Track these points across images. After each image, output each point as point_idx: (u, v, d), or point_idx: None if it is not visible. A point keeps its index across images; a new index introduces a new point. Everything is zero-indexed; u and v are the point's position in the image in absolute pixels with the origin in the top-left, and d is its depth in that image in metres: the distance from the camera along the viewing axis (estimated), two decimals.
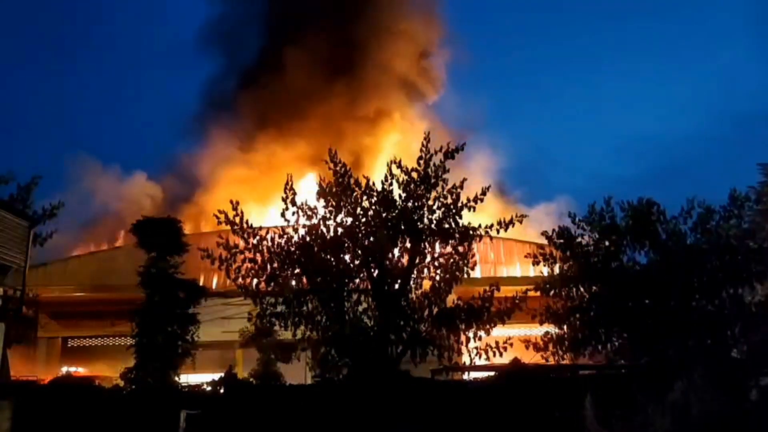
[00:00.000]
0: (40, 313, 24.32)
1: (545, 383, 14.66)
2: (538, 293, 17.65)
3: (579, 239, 17.70)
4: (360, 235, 16.59)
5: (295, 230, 16.93)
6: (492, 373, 16.50)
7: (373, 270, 16.53)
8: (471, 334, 16.25)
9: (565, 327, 17.60)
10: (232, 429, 12.98)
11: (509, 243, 29.73)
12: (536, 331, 18.72)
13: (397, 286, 16.52)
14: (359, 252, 16.55)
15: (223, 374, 17.93)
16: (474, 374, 18.14)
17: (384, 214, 16.51)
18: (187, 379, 18.18)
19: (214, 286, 24.82)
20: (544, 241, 18.39)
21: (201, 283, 19.69)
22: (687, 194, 17.65)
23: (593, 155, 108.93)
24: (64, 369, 23.52)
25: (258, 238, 16.84)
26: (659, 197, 17.74)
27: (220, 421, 12.82)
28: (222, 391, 15.98)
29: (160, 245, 17.52)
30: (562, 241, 17.62)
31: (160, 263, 17.44)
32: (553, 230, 17.87)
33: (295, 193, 16.80)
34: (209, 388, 16.30)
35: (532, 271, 23.00)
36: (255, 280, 16.75)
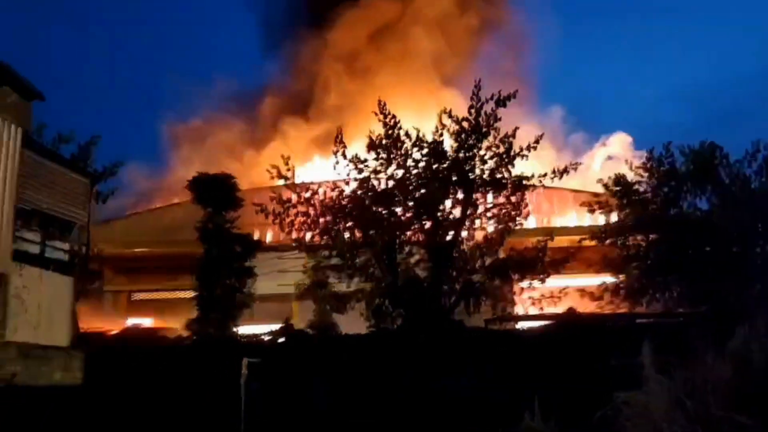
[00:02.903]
0: (104, 268, 25.35)
1: (601, 331, 14.52)
2: (594, 242, 17.38)
3: (636, 186, 17.25)
4: (411, 187, 16.57)
5: (347, 183, 17.04)
6: (547, 323, 16.46)
7: (425, 222, 16.56)
8: (525, 284, 16.22)
9: (621, 276, 17.35)
10: (291, 375, 13.41)
11: (562, 192, 29.05)
12: (592, 280, 18.50)
13: (449, 238, 16.52)
14: (411, 204, 16.57)
15: (280, 325, 18.38)
16: (529, 324, 18.11)
17: (435, 166, 16.40)
18: (246, 330, 18.71)
19: (268, 241, 25.28)
20: (598, 190, 18.02)
21: (256, 238, 20.05)
22: (750, 139, 16.93)
23: (648, 102, 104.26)
24: (130, 321, 24.50)
25: (310, 192, 17.04)
26: (721, 143, 17.10)
27: (279, 368, 13.25)
28: (280, 340, 16.45)
29: (215, 201, 17.87)
30: (619, 188, 17.21)
31: (217, 218, 17.82)
32: (609, 178, 17.47)
33: (345, 146, 16.82)
34: (268, 338, 16.80)
35: (587, 220, 22.62)
36: (309, 234, 17.05)
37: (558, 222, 29.04)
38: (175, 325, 19.00)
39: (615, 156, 37.54)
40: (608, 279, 17.66)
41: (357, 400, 12.77)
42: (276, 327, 17.86)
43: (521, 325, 18.19)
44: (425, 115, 18.80)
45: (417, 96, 35.24)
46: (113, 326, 21.21)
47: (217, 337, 16.08)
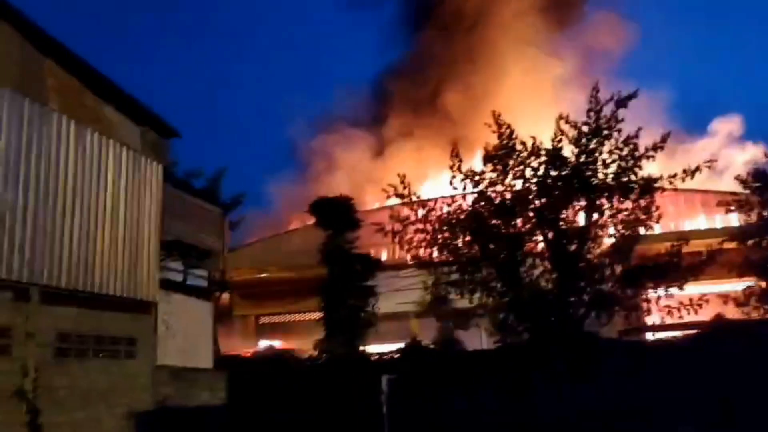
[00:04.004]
0: (234, 294, 26.63)
1: (757, 338, 13.48)
2: (734, 244, 16.21)
3: None
4: (530, 197, 16.18)
5: (464, 197, 16.89)
6: (690, 332, 15.48)
7: (547, 232, 16.09)
8: (660, 292, 15.34)
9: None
10: (426, 391, 13.45)
11: (690, 193, 27.46)
12: (732, 286, 17.25)
13: (574, 247, 15.92)
14: (531, 215, 16.17)
15: (403, 343, 18.47)
16: (667, 334, 17.11)
17: (555, 173, 15.94)
18: (369, 348, 18.92)
19: (383, 259, 25.56)
20: (731, 188, 16.86)
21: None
22: None
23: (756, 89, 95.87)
24: (262, 343, 25.48)
25: (427, 208, 17.03)
26: None
27: (413, 384, 13.32)
28: (409, 357, 16.50)
29: (335, 223, 18.31)
30: (759, 184, 16.00)
31: (337, 240, 18.24)
32: (748, 173, 16.29)
33: (461, 161, 16.70)
34: (397, 356, 16.91)
35: (718, 222, 21.25)
36: (427, 250, 16.99)
37: (686, 225, 27.41)
38: (301, 346, 19.55)
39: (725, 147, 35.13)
40: (751, 283, 16.42)
41: (494, 414, 12.57)
42: (398, 345, 17.95)
43: (659, 335, 17.24)
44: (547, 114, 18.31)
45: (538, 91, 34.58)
46: (244, 349, 22.15)
47: (349, 356, 16.37)
